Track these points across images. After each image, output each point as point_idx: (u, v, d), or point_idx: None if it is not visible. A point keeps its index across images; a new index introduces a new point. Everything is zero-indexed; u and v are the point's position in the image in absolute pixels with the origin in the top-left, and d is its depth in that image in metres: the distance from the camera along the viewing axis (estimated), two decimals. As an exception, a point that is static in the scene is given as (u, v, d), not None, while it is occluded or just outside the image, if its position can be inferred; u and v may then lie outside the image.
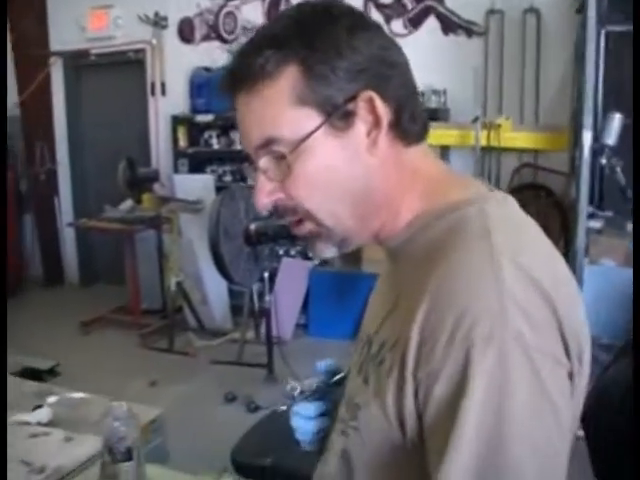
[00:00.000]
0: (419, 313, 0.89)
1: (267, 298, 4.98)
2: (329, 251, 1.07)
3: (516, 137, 5.13)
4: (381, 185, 1.01)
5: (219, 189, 5.89)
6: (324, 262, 6.19)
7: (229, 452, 2.80)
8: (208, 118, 6.43)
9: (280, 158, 0.98)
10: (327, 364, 1.27)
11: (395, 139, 1.01)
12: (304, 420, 1.21)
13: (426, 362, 0.88)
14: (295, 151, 0.97)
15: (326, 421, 1.21)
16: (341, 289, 5.85)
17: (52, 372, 2.83)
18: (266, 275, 4.97)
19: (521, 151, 5.38)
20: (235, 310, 6.09)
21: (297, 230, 1.05)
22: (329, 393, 1.22)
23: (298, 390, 1.21)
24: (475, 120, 5.14)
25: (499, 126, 5.09)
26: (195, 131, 6.69)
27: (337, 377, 1.24)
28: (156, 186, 6.22)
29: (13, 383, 2.62)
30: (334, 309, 5.77)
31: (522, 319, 0.84)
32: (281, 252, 6.18)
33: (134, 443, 1.80)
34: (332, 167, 0.99)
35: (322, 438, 1.22)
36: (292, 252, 6.31)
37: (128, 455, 1.78)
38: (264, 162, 1.00)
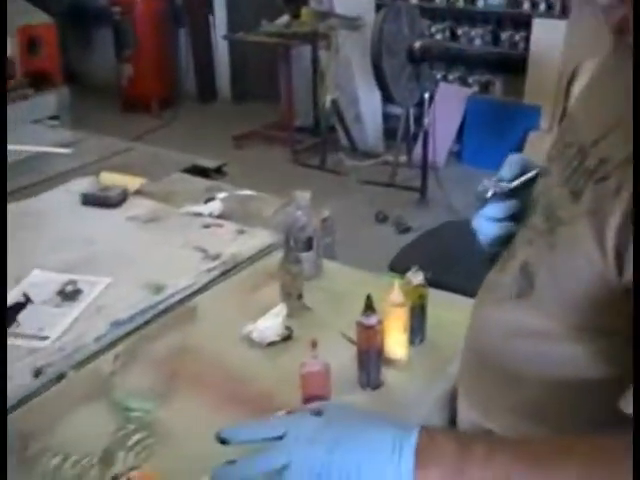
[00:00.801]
0: None
1: (426, 120, 4.84)
2: None
3: None
4: None
5: (379, 7, 5.64)
6: (484, 89, 5.95)
7: (385, 266, 2.78)
8: None
9: None
10: (519, 158, 1.12)
11: None
12: (489, 222, 1.10)
13: None
14: None
15: (511, 225, 1.09)
16: (499, 119, 5.61)
17: (219, 171, 2.82)
18: (426, 96, 4.81)
19: None
20: (388, 133, 5.97)
21: None
22: (518, 193, 1.09)
23: (491, 192, 1.09)
24: None
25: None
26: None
27: (527, 176, 1.09)
28: (313, 1, 6.04)
29: (182, 178, 2.65)
30: (490, 139, 5.56)
31: None
32: (439, 77, 5.95)
33: (314, 234, 1.78)
34: None
35: (503, 242, 1.11)
36: (450, 77, 6.08)
37: (308, 245, 1.76)
38: None
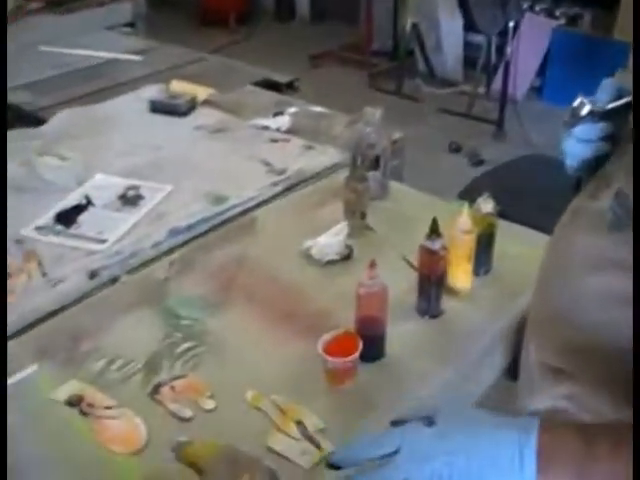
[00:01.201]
0: None
1: (508, 49, 4.65)
2: None
3: None
4: None
5: None
6: (571, 22, 5.68)
7: (454, 197, 2.69)
8: None
9: None
10: (616, 82, 1.04)
11: None
12: (580, 143, 1.03)
13: None
14: None
15: (603, 147, 1.02)
16: (585, 55, 5.34)
17: (291, 87, 2.75)
18: (511, 25, 4.61)
19: None
20: (468, 62, 5.77)
21: None
22: (612, 117, 1.01)
23: (587, 109, 1.00)
24: None
25: None
26: None
27: (624, 100, 1.01)
28: None
29: (253, 91, 2.59)
30: (574, 76, 5.30)
31: None
32: (525, 6, 5.70)
33: (383, 153, 1.71)
34: None
35: (590, 167, 1.04)
36: (537, 8, 5.82)
37: (376, 163, 1.70)
38: None
